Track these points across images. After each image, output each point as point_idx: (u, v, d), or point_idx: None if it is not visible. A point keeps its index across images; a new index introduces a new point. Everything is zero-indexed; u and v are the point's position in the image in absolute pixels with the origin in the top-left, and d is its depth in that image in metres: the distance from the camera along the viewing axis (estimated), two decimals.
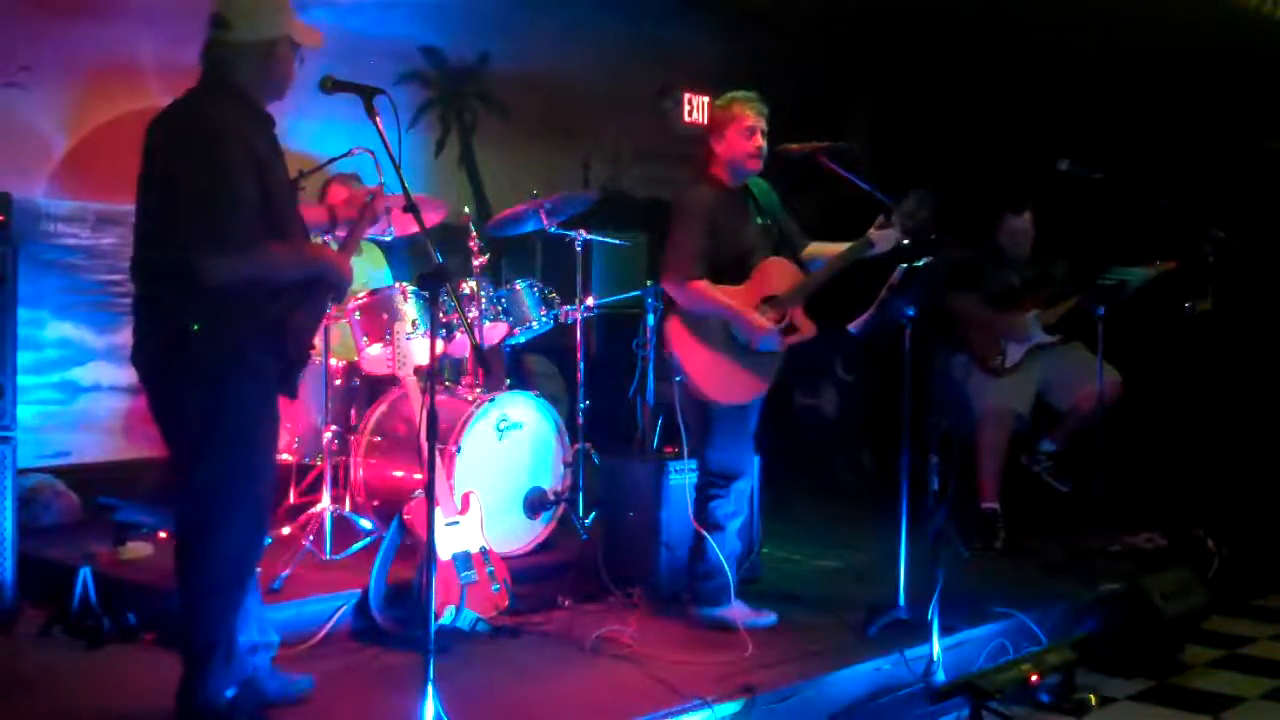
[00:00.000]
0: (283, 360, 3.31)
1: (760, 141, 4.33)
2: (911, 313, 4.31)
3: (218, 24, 3.23)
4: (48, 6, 5.79)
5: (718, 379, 4.32)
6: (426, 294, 4.50)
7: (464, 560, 4.34)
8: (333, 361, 5.15)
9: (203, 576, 3.27)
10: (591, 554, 4.97)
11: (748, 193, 4.44)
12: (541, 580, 4.82)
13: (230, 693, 3.31)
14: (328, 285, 3.35)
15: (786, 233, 4.50)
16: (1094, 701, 4.26)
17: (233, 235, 3.06)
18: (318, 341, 5.04)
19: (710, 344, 4.32)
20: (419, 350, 4.91)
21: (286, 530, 4.89)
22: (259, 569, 3.53)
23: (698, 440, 4.53)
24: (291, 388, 3.39)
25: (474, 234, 5.27)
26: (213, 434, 3.19)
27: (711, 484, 4.47)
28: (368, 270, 5.73)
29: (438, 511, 4.22)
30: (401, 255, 6.01)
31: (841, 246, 4.36)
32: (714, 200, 4.33)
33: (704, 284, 4.25)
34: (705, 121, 4.53)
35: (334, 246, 4.03)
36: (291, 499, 5.29)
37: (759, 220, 4.42)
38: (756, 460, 4.71)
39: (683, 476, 4.82)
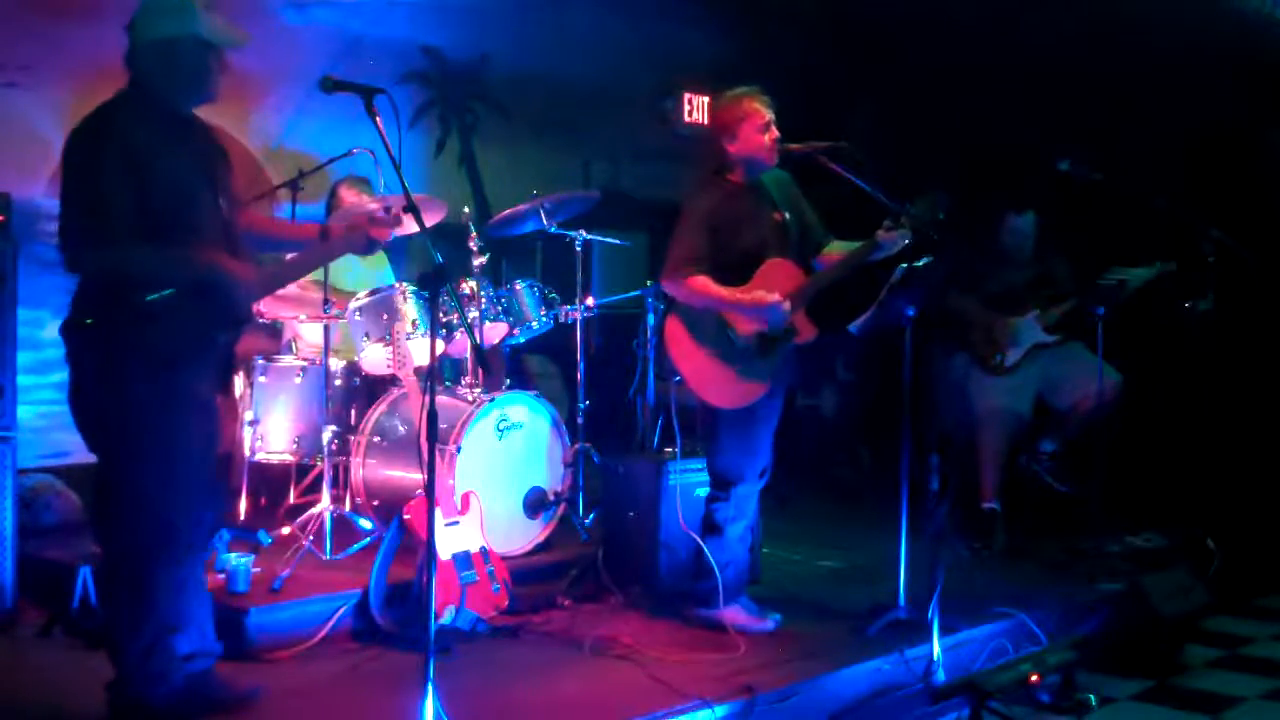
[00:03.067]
0: (177, 360, 3.24)
1: (776, 134, 4.30)
2: (911, 313, 4.30)
3: (128, 28, 3.29)
4: (48, 6, 5.79)
5: (712, 382, 4.30)
6: (426, 294, 4.51)
7: (464, 560, 4.35)
8: (333, 361, 5.15)
9: (107, 575, 3.33)
10: (591, 554, 4.97)
11: (762, 189, 4.40)
12: (541, 580, 4.82)
13: (160, 690, 3.28)
14: (216, 290, 3.26)
15: (807, 227, 4.45)
16: (1094, 701, 4.25)
17: (92, 232, 3.11)
18: (317, 341, 5.07)
19: (706, 346, 4.29)
20: (419, 350, 4.92)
21: (286, 530, 4.89)
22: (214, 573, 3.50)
23: (703, 444, 4.53)
24: (213, 390, 3.38)
25: (474, 234, 5.27)
26: (103, 436, 3.24)
27: (713, 487, 4.46)
28: (368, 270, 5.74)
29: (438, 511, 4.22)
30: (401, 255, 6.01)
31: (851, 248, 4.33)
32: (724, 200, 4.30)
33: (702, 279, 4.21)
34: (712, 121, 4.46)
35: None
36: (291, 499, 5.29)
37: (774, 217, 4.36)
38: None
39: (683, 476, 4.83)
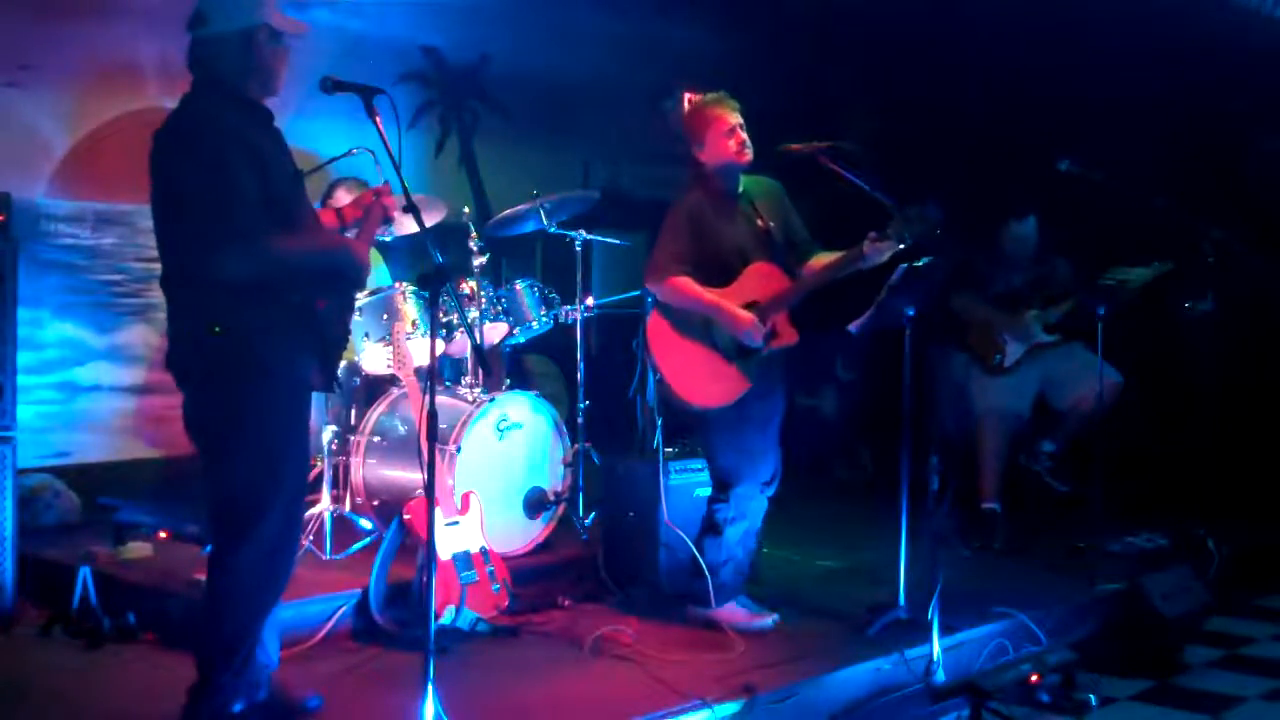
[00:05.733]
0: (315, 352, 3.26)
1: (742, 136, 4.31)
2: (911, 313, 4.30)
3: (195, 21, 3.23)
4: (48, 6, 5.79)
5: (692, 380, 4.31)
6: (426, 294, 4.51)
7: (464, 560, 4.35)
8: None
9: (224, 580, 3.25)
10: (591, 554, 4.97)
11: (744, 197, 4.41)
12: (541, 580, 4.82)
13: (239, 706, 3.26)
14: (347, 272, 3.31)
15: (792, 236, 4.45)
16: (1094, 701, 4.25)
17: (235, 231, 3.04)
18: None
19: (689, 343, 4.30)
20: (419, 350, 4.91)
21: None
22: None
23: (703, 446, 4.54)
24: (328, 380, 3.37)
25: (474, 234, 5.27)
26: (235, 438, 3.19)
27: (714, 489, 4.47)
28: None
29: (438, 511, 4.22)
30: (401, 255, 6.01)
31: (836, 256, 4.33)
32: (702, 206, 4.32)
33: (684, 280, 4.24)
34: (684, 132, 4.48)
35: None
36: None
37: (757, 223, 4.38)
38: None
39: (683, 476, 4.83)
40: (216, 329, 3.12)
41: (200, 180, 3.07)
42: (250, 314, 3.13)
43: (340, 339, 3.41)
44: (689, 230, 4.29)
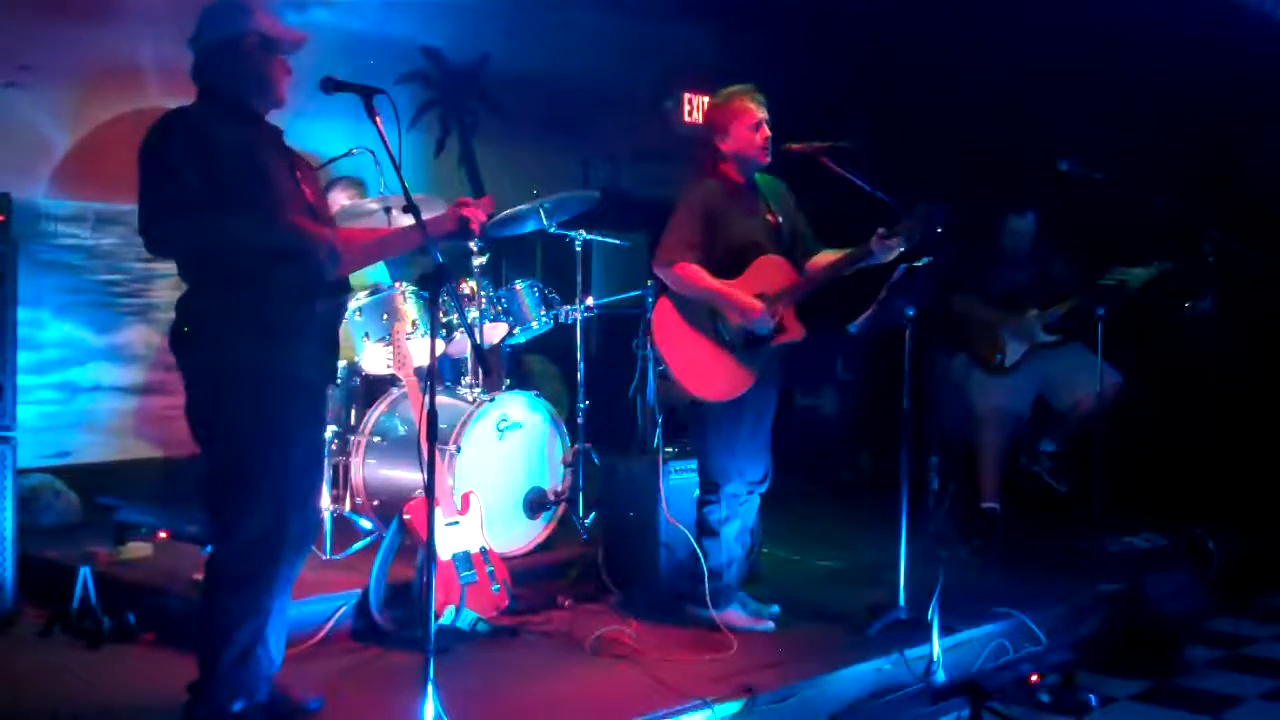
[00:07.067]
0: (280, 347, 3.23)
1: (768, 133, 4.31)
2: (911, 312, 4.31)
3: (195, 36, 3.30)
4: (48, 6, 5.79)
5: (697, 371, 4.30)
6: (426, 294, 4.51)
7: (464, 560, 4.35)
8: None
9: (209, 571, 3.29)
10: (591, 554, 4.97)
11: (756, 190, 4.42)
12: (541, 580, 4.82)
13: (239, 705, 3.25)
14: (307, 256, 3.25)
15: (798, 234, 4.46)
16: (1094, 701, 4.25)
17: (160, 203, 3.10)
18: None
19: (695, 334, 4.30)
20: (419, 350, 4.91)
21: None
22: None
23: (695, 443, 4.53)
24: (320, 372, 3.38)
25: None
26: (209, 433, 3.25)
27: (703, 488, 4.47)
28: (365, 270, 5.73)
29: (438, 511, 4.22)
30: (400, 255, 6.00)
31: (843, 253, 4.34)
32: (718, 195, 4.32)
33: (694, 267, 4.23)
34: (706, 119, 4.48)
35: None
36: None
37: (767, 217, 4.38)
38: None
39: (682, 476, 4.83)
40: (185, 329, 3.22)
41: (144, 170, 3.16)
42: (217, 315, 3.19)
43: (314, 331, 3.34)
44: (703, 216, 4.28)
